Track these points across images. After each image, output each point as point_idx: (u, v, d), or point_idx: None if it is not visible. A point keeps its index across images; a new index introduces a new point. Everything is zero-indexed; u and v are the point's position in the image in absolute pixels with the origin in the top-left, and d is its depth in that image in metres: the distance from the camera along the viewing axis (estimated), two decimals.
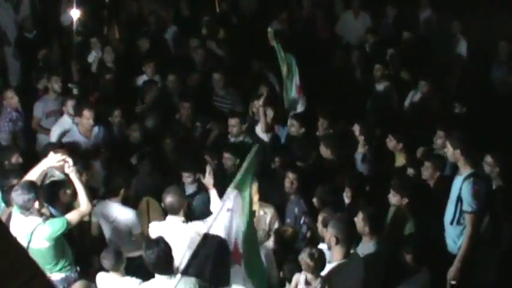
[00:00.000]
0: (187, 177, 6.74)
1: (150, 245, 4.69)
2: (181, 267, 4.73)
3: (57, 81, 8.15)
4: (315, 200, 5.99)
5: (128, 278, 5.06)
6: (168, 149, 7.51)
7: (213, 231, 4.59)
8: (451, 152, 5.53)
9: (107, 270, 5.11)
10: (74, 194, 5.66)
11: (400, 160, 6.92)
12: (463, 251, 5.38)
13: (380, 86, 8.58)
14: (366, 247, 5.29)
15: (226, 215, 4.64)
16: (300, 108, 7.99)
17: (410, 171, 6.51)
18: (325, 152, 6.95)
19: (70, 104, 7.67)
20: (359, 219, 5.30)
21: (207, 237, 4.59)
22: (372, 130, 7.39)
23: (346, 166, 6.97)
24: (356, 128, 7.21)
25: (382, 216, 5.76)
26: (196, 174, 6.67)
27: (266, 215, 6.04)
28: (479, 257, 5.49)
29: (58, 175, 5.93)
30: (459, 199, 5.41)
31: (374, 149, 7.18)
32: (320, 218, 5.48)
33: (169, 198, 5.50)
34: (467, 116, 7.65)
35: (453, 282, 5.40)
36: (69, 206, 5.77)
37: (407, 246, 5.15)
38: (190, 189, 6.74)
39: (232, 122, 7.54)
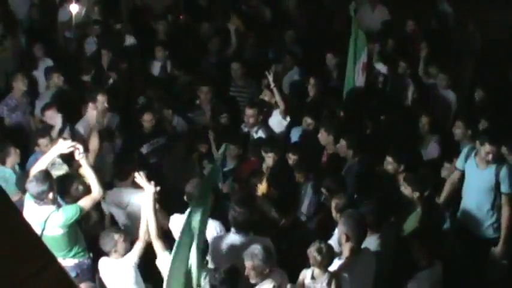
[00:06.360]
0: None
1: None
2: None
3: (59, 76, 7.99)
4: (322, 189, 5.90)
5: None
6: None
7: None
8: (486, 151, 5.74)
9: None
10: (86, 190, 5.55)
11: None
12: (506, 229, 5.78)
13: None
14: (369, 240, 5.13)
15: None
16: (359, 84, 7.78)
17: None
18: (325, 139, 6.77)
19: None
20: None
21: None
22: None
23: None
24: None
25: (386, 210, 5.61)
26: (240, 148, 6.77)
27: None
28: None
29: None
30: (496, 186, 5.78)
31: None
32: (333, 204, 5.43)
33: (193, 190, 5.31)
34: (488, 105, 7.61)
35: (504, 262, 5.89)
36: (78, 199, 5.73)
37: (418, 240, 5.06)
38: (230, 164, 6.81)
39: (250, 112, 7.31)
